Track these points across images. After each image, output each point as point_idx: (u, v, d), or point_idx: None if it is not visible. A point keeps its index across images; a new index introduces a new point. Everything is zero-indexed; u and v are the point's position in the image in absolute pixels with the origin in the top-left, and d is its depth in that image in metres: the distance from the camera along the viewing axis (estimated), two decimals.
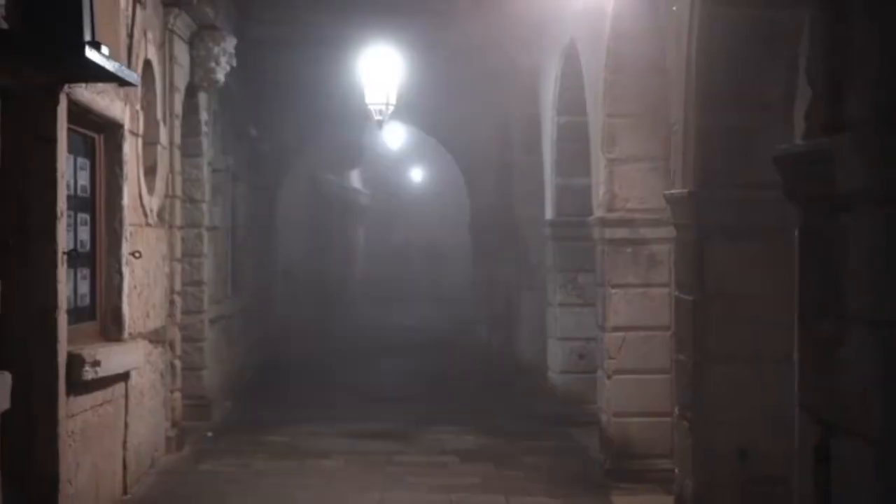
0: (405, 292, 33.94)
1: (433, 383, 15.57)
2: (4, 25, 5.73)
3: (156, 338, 9.62)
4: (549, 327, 12.65)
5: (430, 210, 35.36)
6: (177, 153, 10.51)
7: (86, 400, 7.40)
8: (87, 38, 6.06)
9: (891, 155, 3.34)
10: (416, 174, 36.54)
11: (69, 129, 7.04)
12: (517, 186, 15.57)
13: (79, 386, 7.13)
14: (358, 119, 15.85)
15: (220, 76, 11.42)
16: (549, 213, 12.70)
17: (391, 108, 13.12)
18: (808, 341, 4.03)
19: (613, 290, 9.43)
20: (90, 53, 5.84)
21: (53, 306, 6.67)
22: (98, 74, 6.45)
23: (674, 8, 7.03)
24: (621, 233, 9.38)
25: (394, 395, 14.39)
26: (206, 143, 11.87)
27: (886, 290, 3.40)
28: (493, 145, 16.99)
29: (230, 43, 11.47)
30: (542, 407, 12.46)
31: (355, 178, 31.73)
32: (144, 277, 9.20)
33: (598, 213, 9.68)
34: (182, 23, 10.46)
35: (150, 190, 9.47)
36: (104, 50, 6.14)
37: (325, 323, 23.46)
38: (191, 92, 11.26)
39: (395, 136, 26.64)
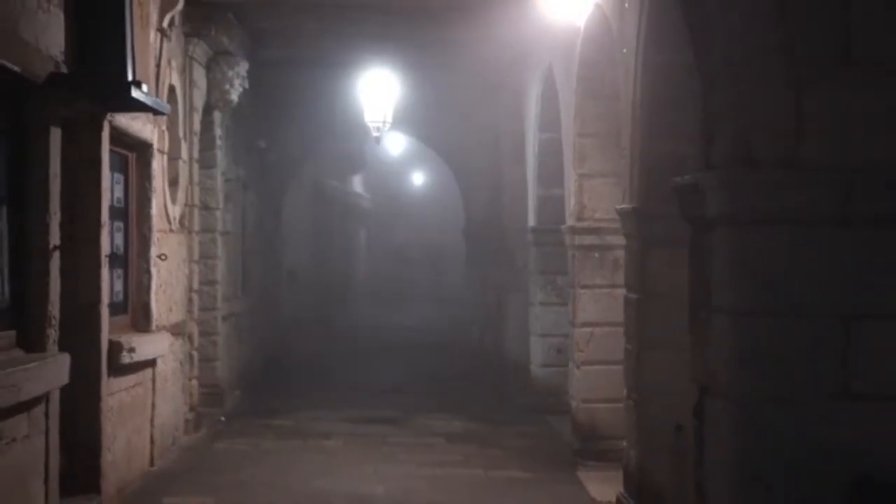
0: (405, 293, 35.11)
1: (428, 378, 16.72)
2: (64, 69, 6.97)
3: (177, 330, 10.85)
4: (531, 325, 13.85)
5: (430, 213, 36.48)
6: (195, 166, 11.75)
7: (122, 381, 8.65)
8: (130, 77, 7.32)
9: (739, 190, 4.59)
10: (417, 178, 37.69)
11: (109, 150, 8.28)
12: (506, 195, 16.74)
13: (117, 369, 8.38)
14: (359, 130, 16.80)
15: (234, 97, 12.67)
16: (531, 221, 13.91)
17: (388, 126, 14.39)
18: (693, 326, 5.27)
19: (582, 291, 10.62)
20: (135, 93, 7.10)
21: (98, 301, 7.92)
22: (138, 106, 7.70)
23: (624, 51, 8.27)
24: (589, 240, 10.56)
25: (391, 388, 15.57)
26: (220, 155, 13.07)
27: (737, 288, 4.64)
28: (485, 156, 18.09)
29: (243, 67, 12.72)
30: (525, 398, 13.65)
31: (357, 183, 32.86)
32: (168, 277, 10.44)
33: (570, 222, 10.89)
34: (200, 50, 11.71)
35: (173, 200, 10.71)
36: (144, 88, 7.40)
37: (328, 323, 24.57)
38: (207, 110, 12.47)
39: (395, 144, 27.84)
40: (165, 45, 10.14)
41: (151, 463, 9.63)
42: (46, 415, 6.75)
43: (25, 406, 6.37)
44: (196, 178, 11.80)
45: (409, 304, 32.82)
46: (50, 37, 6.86)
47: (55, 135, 6.94)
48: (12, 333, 6.65)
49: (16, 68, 6.16)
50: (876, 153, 4.62)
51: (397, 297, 34.01)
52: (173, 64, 10.59)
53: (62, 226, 7.18)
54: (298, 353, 19.28)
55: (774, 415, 4.62)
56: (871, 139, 4.61)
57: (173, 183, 10.76)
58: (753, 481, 4.63)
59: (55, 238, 6.98)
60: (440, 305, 31.18)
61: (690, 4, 5.09)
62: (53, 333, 6.96)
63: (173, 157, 10.74)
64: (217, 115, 12.83)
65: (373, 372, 17.66)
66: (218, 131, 12.93)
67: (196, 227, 11.85)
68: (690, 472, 5.25)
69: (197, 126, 11.77)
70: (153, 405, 9.65)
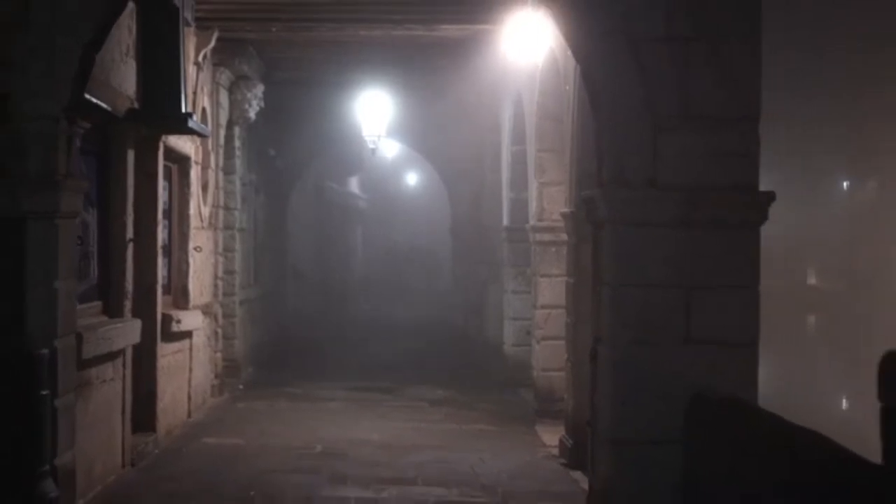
0: (399, 287, 37.17)
1: (418, 360, 18.89)
2: (136, 105, 9.22)
3: (206, 310, 13.07)
4: (505, 310, 16.09)
5: (421, 213, 38.58)
6: (220, 173, 13.98)
7: (170, 347, 10.89)
8: (184, 109, 9.57)
9: (617, 202, 6.85)
10: (411, 178, 39.91)
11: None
12: (486, 199, 18.96)
13: (167, 336, 10.63)
14: (356, 136, 18.89)
15: (251, 114, 14.91)
16: (504, 221, 16.13)
17: (381, 138, 16.64)
18: (594, 296, 7.51)
19: (542, 279, 12.87)
20: (190, 123, 9.34)
21: (155, 282, 10.17)
22: (189, 131, 9.95)
23: (567, 87, 10.51)
24: (547, 237, 12.78)
25: (385, 366, 17.73)
26: (238, 163, 15.29)
27: (615, 269, 6.90)
28: (469, 164, 20.16)
29: (259, 89, 14.96)
30: (499, 372, 15.89)
31: (354, 184, 35.00)
32: (200, 266, 12.67)
33: (532, 222, 13.12)
34: (225, 76, 13.95)
35: (205, 202, 12.94)
36: (194, 117, 9.64)
37: (328, 313, 26.65)
38: (228, 126, 14.70)
39: (390, 149, 30.07)
40: (200, 75, 12.37)
41: (189, 415, 11.88)
42: (124, 365, 8.99)
43: (113, 356, 8.62)
44: (221, 183, 14.03)
45: (402, 298, 34.87)
46: (127, 81, 9.10)
47: (130, 155, 9.19)
48: (99, 304, 8.90)
49: (108, 108, 8.39)
50: (706, 177, 6.87)
51: (391, 292, 36.06)
52: (205, 90, 12.83)
53: (134, 224, 9.42)
54: (301, 339, 21.34)
55: (639, 354, 6.85)
56: (703, 168, 6.86)
57: (205, 188, 12.98)
58: (624, 400, 6.87)
59: (130, 233, 9.22)
60: (430, 298, 33.12)
61: (587, 71, 7.32)
62: (128, 304, 9.21)
63: (205, 167, 12.97)
64: (236, 130, 15.05)
65: (369, 355, 19.73)
66: (237, 143, 15.16)
67: (220, 225, 14.07)
68: (590, 397, 7.50)
69: (222, 140, 14.00)
70: (190, 369, 11.89)
